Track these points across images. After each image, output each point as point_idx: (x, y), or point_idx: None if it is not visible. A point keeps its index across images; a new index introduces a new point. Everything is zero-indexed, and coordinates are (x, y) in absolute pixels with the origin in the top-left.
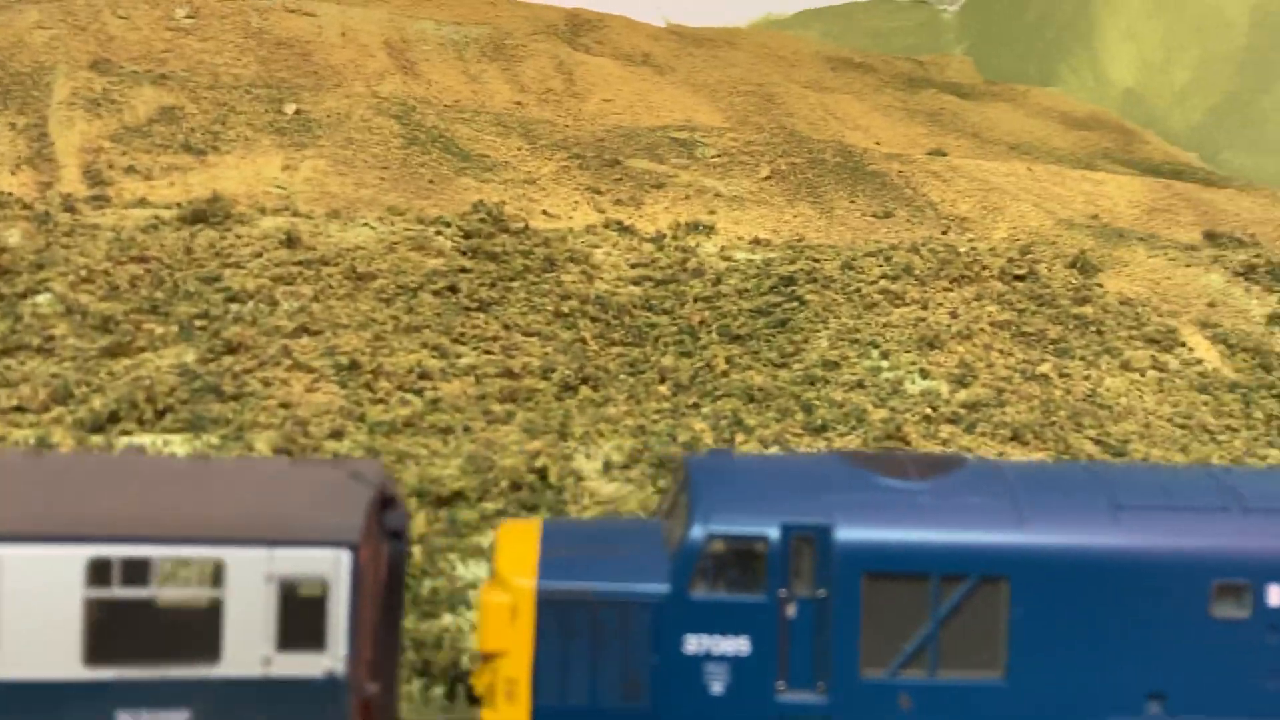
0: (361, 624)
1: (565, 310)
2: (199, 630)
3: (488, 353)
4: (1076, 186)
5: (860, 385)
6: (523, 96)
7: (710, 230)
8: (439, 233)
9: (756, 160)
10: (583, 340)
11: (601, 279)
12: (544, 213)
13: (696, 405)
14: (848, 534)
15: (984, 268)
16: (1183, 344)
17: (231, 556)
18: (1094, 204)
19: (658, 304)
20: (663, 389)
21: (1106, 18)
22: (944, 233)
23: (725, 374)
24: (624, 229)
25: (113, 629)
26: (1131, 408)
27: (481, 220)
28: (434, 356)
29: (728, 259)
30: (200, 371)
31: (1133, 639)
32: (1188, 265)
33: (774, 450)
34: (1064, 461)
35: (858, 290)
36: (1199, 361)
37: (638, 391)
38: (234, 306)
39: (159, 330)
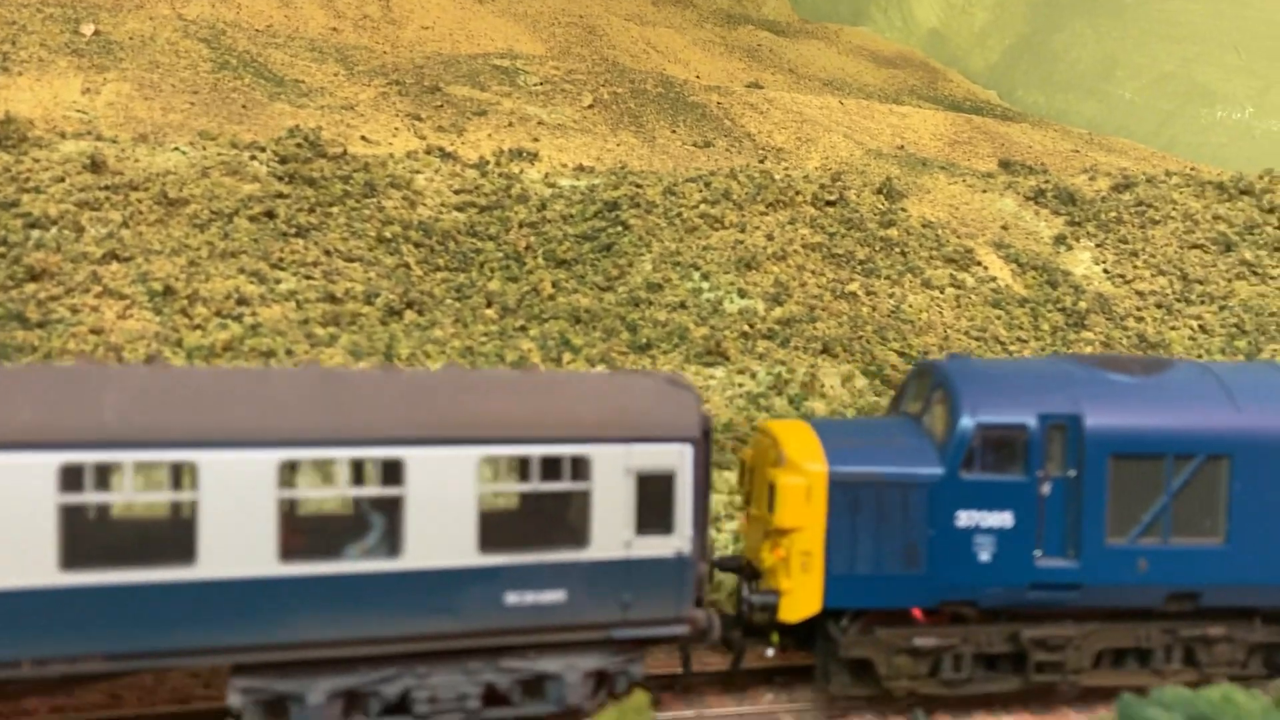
0: (695, 510)
1: (388, 236)
2: (569, 520)
3: (308, 278)
4: (884, 120)
5: (682, 305)
6: (338, 23)
7: (534, 157)
8: (254, 158)
9: (579, 89)
10: (406, 265)
11: (424, 205)
12: (363, 139)
13: (524, 328)
14: (1095, 421)
15: (798, 193)
16: (978, 263)
17: (597, 453)
18: (900, 136)
19: (482, 230)
20: (489, 313)
21: None
22: (761, 161)
23: (552, 297)
24: (446, 155)
25: (497, 522)
26: (932, 322)
27: (298, 146)
28: (252, 282)
29: (552, 186)
30: (1, 299)
31: None
32: (984, 191)
33: (601, 368)
34: (1253, 361)
35: (679, 215)
36: (993, 279)
37: (464, 315)
38: (35, 233)
39: None
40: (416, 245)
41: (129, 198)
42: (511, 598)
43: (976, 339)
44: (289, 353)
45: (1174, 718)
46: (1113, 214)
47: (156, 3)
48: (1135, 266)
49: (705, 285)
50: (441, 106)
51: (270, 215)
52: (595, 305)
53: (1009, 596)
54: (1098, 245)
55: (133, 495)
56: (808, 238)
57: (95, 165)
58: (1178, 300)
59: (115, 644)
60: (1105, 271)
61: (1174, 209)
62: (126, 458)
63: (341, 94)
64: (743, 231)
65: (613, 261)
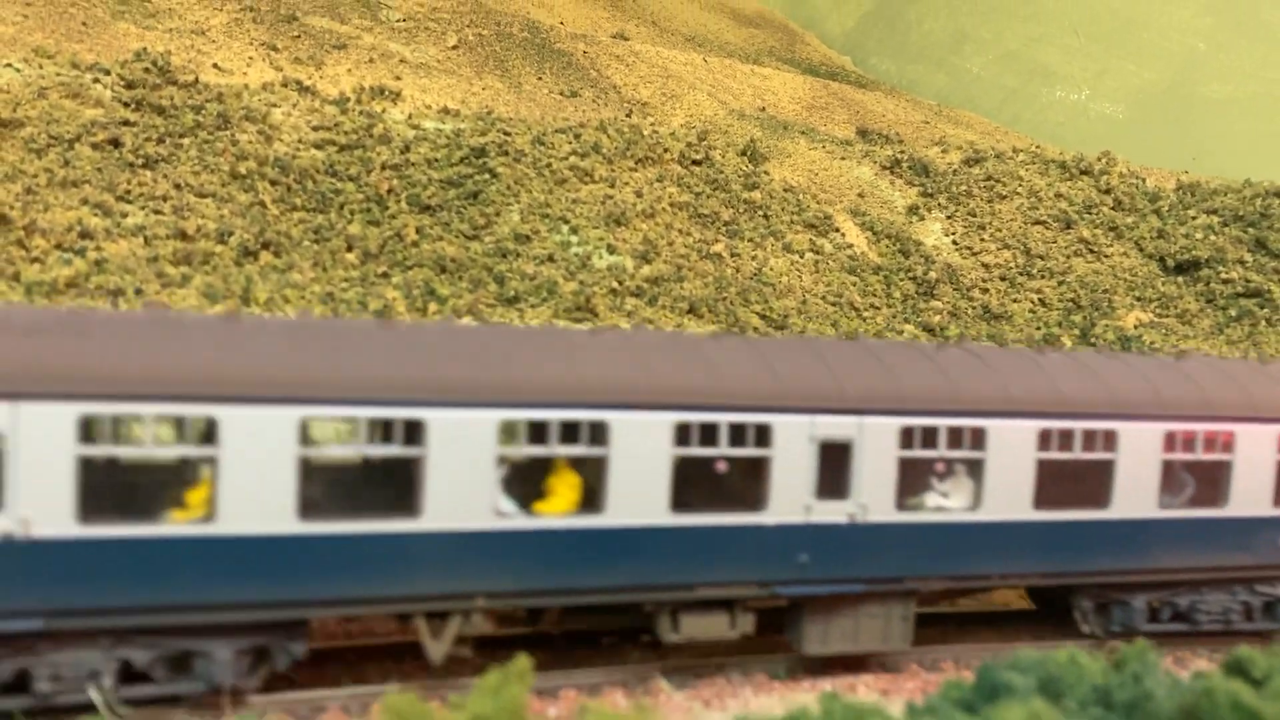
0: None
1: (242, 172)
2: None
3: (157, 213)
4: (746, 80)
5: (550, 259)
6: None
7: (396, 97)
8: (97, 81)
9: (443, 28)
10: (262, 204)
11: (281, 140)
12: (215, 67)
13: (386, 275)
14: None
15: (665, 150)
16: (836, 230)
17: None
18: (761, 97)
19: (342, 170)
20: (350, 257)
21: None
22: (628, 115)
23: (415, 244)
24: (304, 89)
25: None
26: (791, 286)
27: (145, 70)
28: (96, 214)
29: (416, 127)
30: None
31: None
32: (842, 159)
33: (468, 319)
34: None
35: (548, 166)
36: (850, 246)
37: (323, 259)
38: None
39: None
40: (272, 183)
41: None
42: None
43: (833, 304)
44: (138, 292)
45: (1029, 680)
46: (963, 187)
47: None
48: (982, 239)
49: (574, 239)
50: (299, 37)
51: (115, 144)
52: (461, 254)
53: None
54: (948, 217)
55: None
56: (675, 196)
57: None
58: (1020, 274)
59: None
60: (954, 243)
61: (1020, 185)
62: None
63: (191, 17)
64: (612, 187)
65: (479, 210)
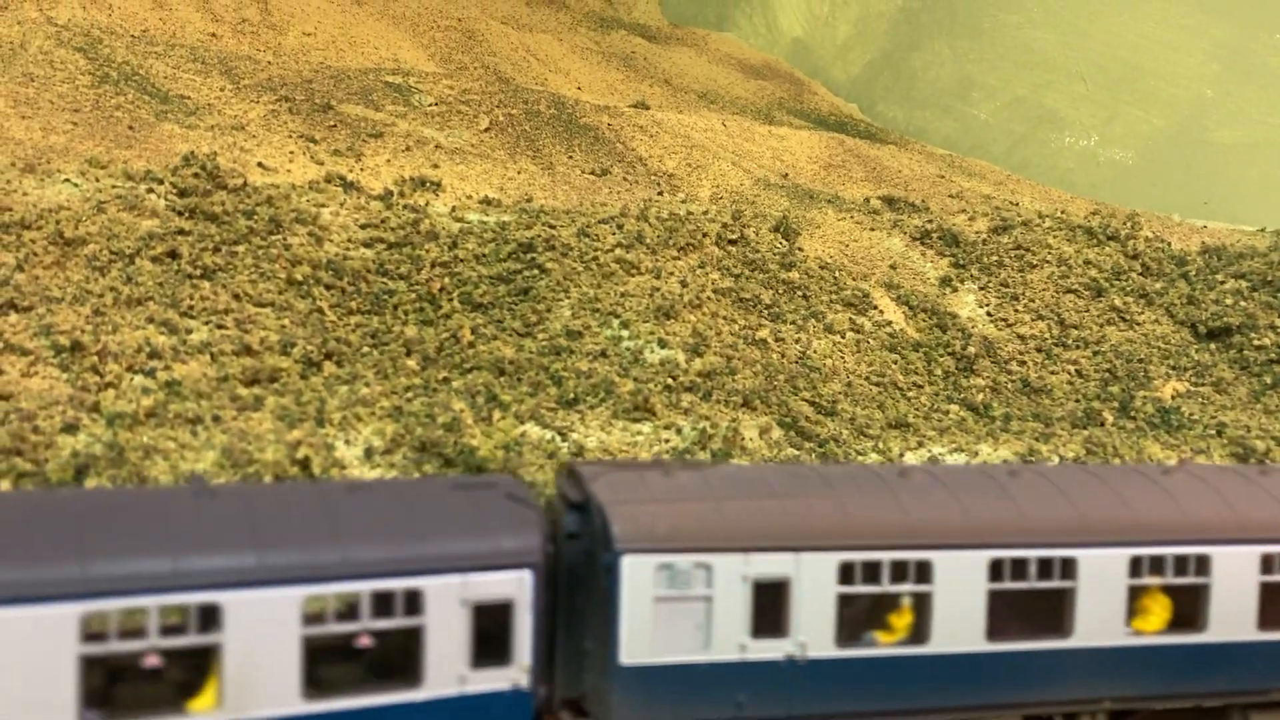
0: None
1: (298, 278)
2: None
3: (220, 327)
4: (764, 142)
5: (603, 354)
6: (216, 27)
7: (438, 187)
8: (151, 190)
9: (474, 110)
10: (320, 310)
11: (331, 241)
12: (260, 165)
13: (447, 379)
14: None
15: (704, 234)
16: (874, 306)
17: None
18: (780, 159)
19: (393, 269)
20: (410, 363)
21: None
22: (659, 194)
23: (472, 345)
24: (349, 185)
25: None
26: (836, 369)
27: (195, 176)
28: (163, 333)
29: (460, 220)
30: None
31: None
32: (872, 229)
33: (530, 425)
34: None
35: (595, 259)
36: (888, 322)
37: (384, 365)
38: None
39: None
40: (328, 287)
41: (21, 237)
42: None
43: (876, 384)
44: (216, 419)
45: None
46: (994, 257)
47: (21, 3)
48: (1016, 310)
49: (625, 334)
50: (335, 127)
51: (174, 255)
52: (517, 355)
53: None
54: (981, 288)
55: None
56: (717, 282)
57: None
58: (1055, 345)
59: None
60: (989, 314)
61: (1049, 253)
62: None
63: (230, 111)
64: (658, 278)
65: (530, 306)
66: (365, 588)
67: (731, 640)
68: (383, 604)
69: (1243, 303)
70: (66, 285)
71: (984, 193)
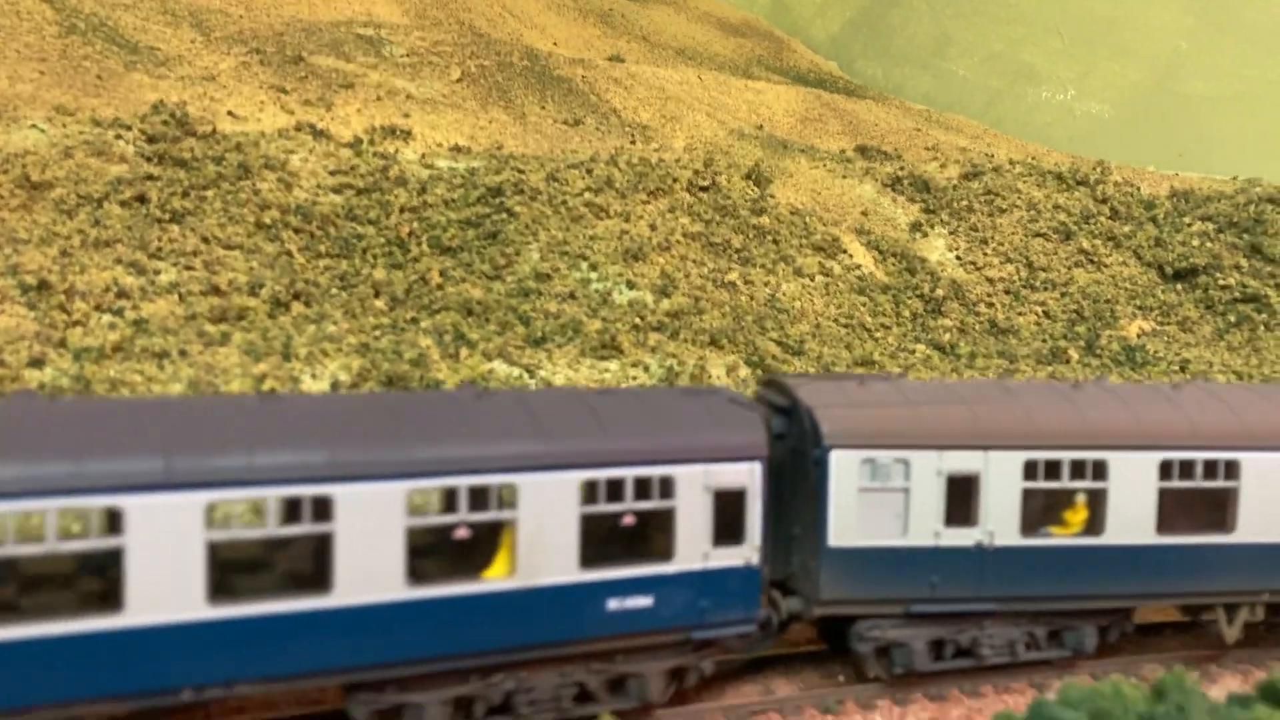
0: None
1: (267, 221)
2: None
3: (189, 268)
4: (740, 96)
5: (572, 296)
6: None
7: (408, 136)
8: (119, 137)
9: (446, 61)
10: (289, 253)
11: (300, 187)
12: (230, 114)
13: (415, 319)
14: None
15: (675, 180)
16: (844, 251)
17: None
18: (756, 113)
19: (362, 214)
20: (379, 303)
21: None
22: (631, 142)
23: (440, 287)
24: (318, 133)
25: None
26: (804, 310)
27: (164, 123)
28: (130, 273)
29: (429, 166)
30: None
31: None
32: (844, 177)
33: (498, 363)
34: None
35: (564, 203)
36: (858, 266)
37: (352, 306)
38: None
39: None
40: (296, 231)
41: None
42: None
43: (845, 325)
44: (183, 353)
45: (1080, 715)
46: (964, 202)
47: None
48: (985, 254)
49: (594, 276)
50: (306, 78)
51: (142, 200)
52: (485, 296)
53: None
54: (951, 233)
55: None
56: (687, 227)
57: None
58: (1024, 287)
59: None
60: (958, 258)
61: (1019, 198)
62: None
63: (200, 63)
64: (627, 221)
65: (499, 250)
66: (629, 473)
67: (927, 528)
68: (642, 488)
69: (1209, 244)
70: (33, 228)
71: (960, 145)
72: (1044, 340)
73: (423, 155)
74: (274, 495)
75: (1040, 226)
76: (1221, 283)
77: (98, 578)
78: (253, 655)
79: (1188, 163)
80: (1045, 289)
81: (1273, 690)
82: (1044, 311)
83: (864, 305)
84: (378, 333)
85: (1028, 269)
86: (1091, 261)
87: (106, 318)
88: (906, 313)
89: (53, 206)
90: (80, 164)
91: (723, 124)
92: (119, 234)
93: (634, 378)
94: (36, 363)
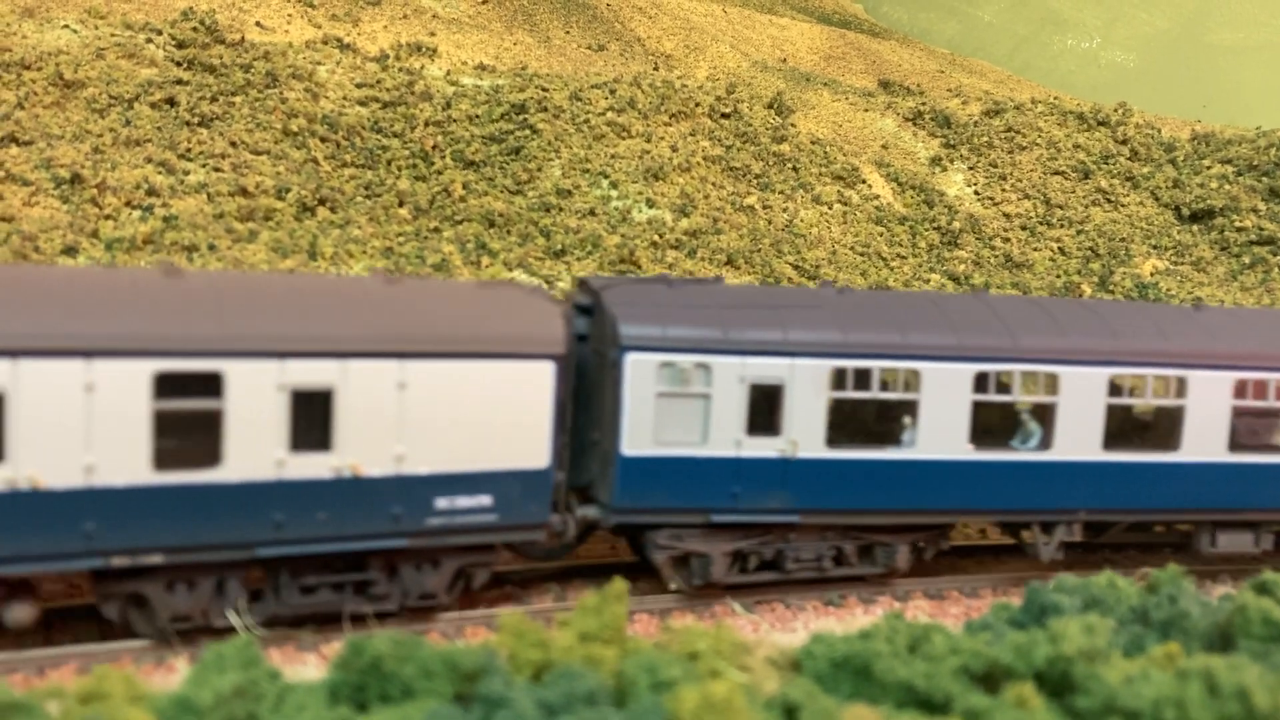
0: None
1: (293, 129)
2: None
3: (217, 170)
4: (765, 31)
5: (592, 213)
6: None
7: (433, 53)
8: (150, 41)
9: None
10: (315, 160)
11: (327, 98)
12: (258, 24)
13: (438, 229)
14: None
15: (696, 105)
16: (863, 181)
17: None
18: (780, 48)
19: (387, 127)
20: (403, 212)
21: None
22: (655, 69)
23: (463, 199)
24: (345, 47)
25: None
26: (821, 237)
27: (194, 30)
28: (160, 172)
29: (454, 83)
30: None
31: None
32: (865, 110)
33: (518, 272)
34: None
35: (586, 121)
36: (876, 197)
37: (377, 214)
38: None
39: None
40: (322, 140)
41: (21, 77)
42: None
43: (861, 254)
44: (211, 248)
45: (1075, 601)
46: (984, 139)
47: None
48: (1003, 190)
49: (614, 194)
50: None
51: (172, 103)
52: (507, 209)
53: None
54: (970, 168)
55: None
56: (708, 150)
57: None
58: (1040, 223)
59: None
60: (976, 193)
61: (1039, 136)
62: None
63: None
64: (648, 141)
65: (522, 165)
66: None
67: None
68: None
69: (1227, 186)
70: (66, 124)
71: (983, 89)
72: (1058, 275)
73: (448, 72)
74: None
75: (1059, 165)
76: (1238, 224)
77: None
78: None
79: (1212, 113)
80: (1061, 226)
81: (1262, 586)
82: (1059, 248)
83: (881, 235)
84: (401, 239)
85: (1045, 206)
86: (1109, 200)
87: (137, 213)
88: (923, 244)
89: (85, 105)
90: (111, 65)
91: (746, 56)
92: (149, 134)
93: None
94: (70, 250)
